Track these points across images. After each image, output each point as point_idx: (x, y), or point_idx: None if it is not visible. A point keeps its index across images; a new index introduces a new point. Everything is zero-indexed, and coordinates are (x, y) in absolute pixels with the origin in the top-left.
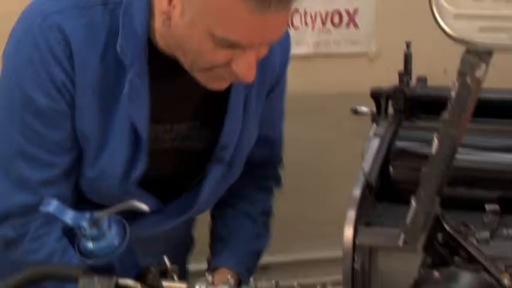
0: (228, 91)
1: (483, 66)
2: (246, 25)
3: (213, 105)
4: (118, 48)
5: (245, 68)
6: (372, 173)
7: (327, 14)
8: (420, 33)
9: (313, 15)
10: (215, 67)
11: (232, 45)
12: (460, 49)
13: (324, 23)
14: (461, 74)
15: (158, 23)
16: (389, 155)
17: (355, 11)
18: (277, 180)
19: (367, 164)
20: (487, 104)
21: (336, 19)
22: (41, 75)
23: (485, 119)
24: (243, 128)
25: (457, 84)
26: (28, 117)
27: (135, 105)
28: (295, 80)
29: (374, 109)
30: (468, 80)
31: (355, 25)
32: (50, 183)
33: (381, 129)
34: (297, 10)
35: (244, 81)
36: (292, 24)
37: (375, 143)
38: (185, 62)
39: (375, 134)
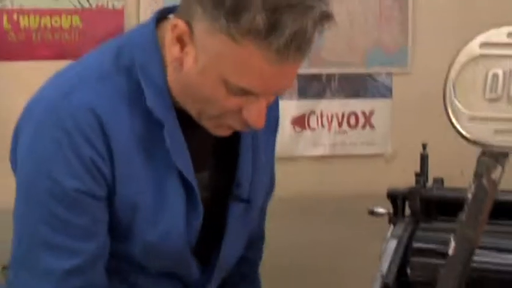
0: (236, 135)
1: (499, 168)
2: (262, 75)
3: (224, 152)
4: (149, 104)
5: (256, 115)
6: (389, 274)
7: (343, 115)
8: (436, 135)
9: (329, 116)
10: (225, 114)
11: (245, 93)
12: (477, 150)
13: (340, 125)
14: (477, 176)
15: (170, 71)
16: (406, 256)
17: (371, 113)
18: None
19: (384, 265)
20: (504, 205)
21: (352, 120)
22: (71, 160)
23: (504, 221)
24: (254, 162)
25: (473, 185)
26: (55, 205)
27: (179, 155)
28: (312, 181)
29: (391, 210)
30: (484, 181)
31: (371, 126)
32: (76, 273)
33: (398, 230)
34: (313, 112)
35: (255, 127)
36: (308, 125)
37: (392, 244)
38: (193, 109)
39: (392, 235)
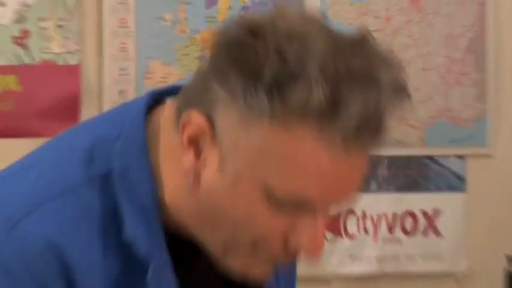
0: None
1: None
2: (321, 173)
3: None
4: (127, 237)
5: (312, 241)
6: None
7: (395, 216)
8: None
9: (375, 218)
10: (263, 242)
11: (296, 205)
12: None
13: (391, 230)
14: None
15: (171, 187)
16: None
17: (436, 213)
18: None
19: None
20: None
21: (409, 224)
22: None
23: None
24: None
25: None
26: None
27: None
28: None
29: None
30: None
31: (437, 233)
32: None
33: None
34: (351, 211)
35: (309, 258)
36: (345, 231)
37: None
38: (215, 243)
39: None
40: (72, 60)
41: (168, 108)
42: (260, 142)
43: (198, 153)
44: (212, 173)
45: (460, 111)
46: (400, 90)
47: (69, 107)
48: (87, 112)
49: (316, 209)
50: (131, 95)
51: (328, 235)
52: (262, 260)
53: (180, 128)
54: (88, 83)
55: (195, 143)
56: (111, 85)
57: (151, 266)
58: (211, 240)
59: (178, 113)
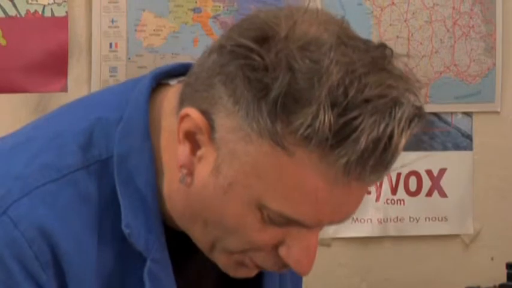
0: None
1: None
2: (319, 199)
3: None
4: (125, 229)
5: (302, 254)
6: None
7: (398, 176)
8: None
9: None
10: (252, 250)
11: (287, 223)
12: None
13: (394, 191)
14: None
15: (170, 178)
16: None
17: (442, 173)
18: None
19: None
20: None
21: (413, 184)
22: None
23: None
24: None
25: None
26: None
27: None
28: (352, 275)
29: None
30: None
31: (442, 193)
32: None
33: None
34: None
35: (297, 271)
36: None
37: None
38: (202, 238)
39: None
40: (59, 12)
41: (173, 92)
42: (257, 157)
43: (194, 149)
44: (206, 172)
45: (466, 66)
46: (415, 120)
47: (56, 62)
48: (75, 67)
49: (309, 227)
50: (122, 49)
51: None
52: (251, 264)
53: (178, 119)
54: (76, 36)
55: (191, 138)
56: (100, 38)
57: (149, 259)
58: (200, 236)
59: (181, 101)
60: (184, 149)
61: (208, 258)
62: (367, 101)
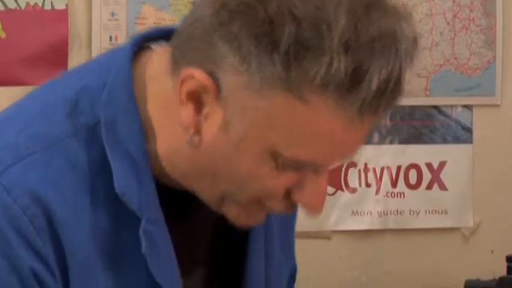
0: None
1: None
2: (334, 141)
3: (228, 242)
4: (118, 191)
5: (315, 196)
6: None
7: (398, 169)
8: None
9: (377, 171)
10: (266, 196)
11: (301, 167)
12: None
13: (394, 184)
14: None
15: (163, 139)
16: None
17: (442, 166)
18: None
19: None
20: None
21: (413, 177)
22: (3, 274)
23: None
24: (268, 266)
25: None
26: None
27: (161, 266)
28: (352, 268)
29: None
30: None
31: (442, 187)
32: None
33: None
34: (353, 163)
35: (311, 213)
36: (346, 184)
37: None
38: (210, 193)
39: None
40: (59, 5)
41: (158, 54)
42: (271, 109)
43: (198, 108)
44: (214, 130)
45: (467, 59)
46: (416, 49)
47: (56, 54)
48: (75, 60)
49: (319, 170)
50: (122, 41)
51: (328, 188)
52: (260, 211)
53: (178, 82)
54: (76, 28)
55: (195, 98)
56: (100, 31)
57: (144, 219)
58: (208, 192)
59: (175, 62)
60: (187, 110)
61: (202, 214)
62: (375, 42)
